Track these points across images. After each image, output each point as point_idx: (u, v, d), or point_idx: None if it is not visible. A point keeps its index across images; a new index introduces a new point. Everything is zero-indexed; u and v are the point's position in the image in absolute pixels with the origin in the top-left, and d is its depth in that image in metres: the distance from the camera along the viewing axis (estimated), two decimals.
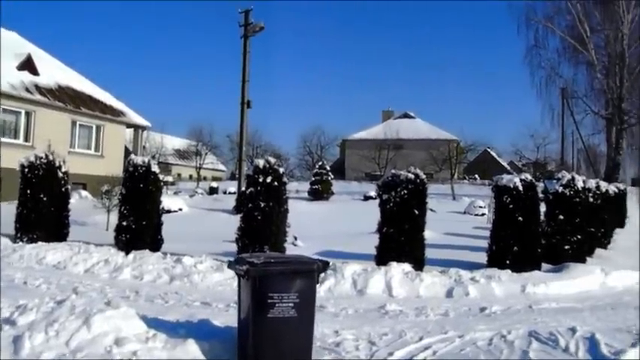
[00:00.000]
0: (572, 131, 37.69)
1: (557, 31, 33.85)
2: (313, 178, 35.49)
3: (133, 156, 13.47)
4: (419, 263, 10.48)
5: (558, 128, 37.80)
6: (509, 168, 64.86)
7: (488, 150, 74.57)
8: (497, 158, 76.78)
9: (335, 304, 8.52)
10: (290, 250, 11.86)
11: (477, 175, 61.19)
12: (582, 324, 7.42)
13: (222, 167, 77.62)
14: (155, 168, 12.69)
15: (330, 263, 9.88)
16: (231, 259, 5.94)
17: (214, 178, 64.05)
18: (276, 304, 5.13)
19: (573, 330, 7.04)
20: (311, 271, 5.32)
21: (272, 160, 11.82)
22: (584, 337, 6.73)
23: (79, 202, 22.19)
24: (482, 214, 24.34)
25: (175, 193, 35.62)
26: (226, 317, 6.94)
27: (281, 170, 11.77)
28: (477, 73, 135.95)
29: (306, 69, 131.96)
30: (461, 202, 32.61)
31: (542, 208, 12.53)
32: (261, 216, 11.31)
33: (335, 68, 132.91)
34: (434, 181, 47.84)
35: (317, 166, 37.42)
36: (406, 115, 69.69)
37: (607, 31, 33.13)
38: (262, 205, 11.31)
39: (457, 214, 26.94)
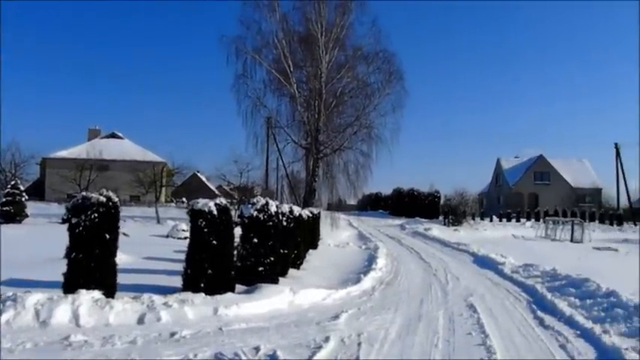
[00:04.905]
0: (276, 158, 39.72)
1: (264, 64, 35.64)
2: (4, 199, 32.87)
3: None
4: (110, 289, 10.03)
5: (262, 155, 39.58)
6: (217, 192, 66.48)
7: (197, 173, 75.58)
8: (206, 182, 78.25)
9: (12, 339, 7.76)
10: None
11: (184, 199, 61.44)
12: (267, 342, 7.84)
13: None
14: None
15: (10, 294, 9.11)
16: None
17: None
18: None
19: (257, 349, 7.42)
20: None
21: None
22: (266, 355, 7.15)
23: None
24: (185, 238, 24.37)
25: None
26: None
27: None
28: (188, 96, 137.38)
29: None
30: (165, 225, 32.44)
31: (239, 231, 12.95)
32: None
33: (35, 78, 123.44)
34: (140, 204, 47.18)
35: (9, 186, 34.56)
36: (113, 135, 67.42)
37: (308, 68, 35.98)
38: None
39: (160, 238, 26.81)
